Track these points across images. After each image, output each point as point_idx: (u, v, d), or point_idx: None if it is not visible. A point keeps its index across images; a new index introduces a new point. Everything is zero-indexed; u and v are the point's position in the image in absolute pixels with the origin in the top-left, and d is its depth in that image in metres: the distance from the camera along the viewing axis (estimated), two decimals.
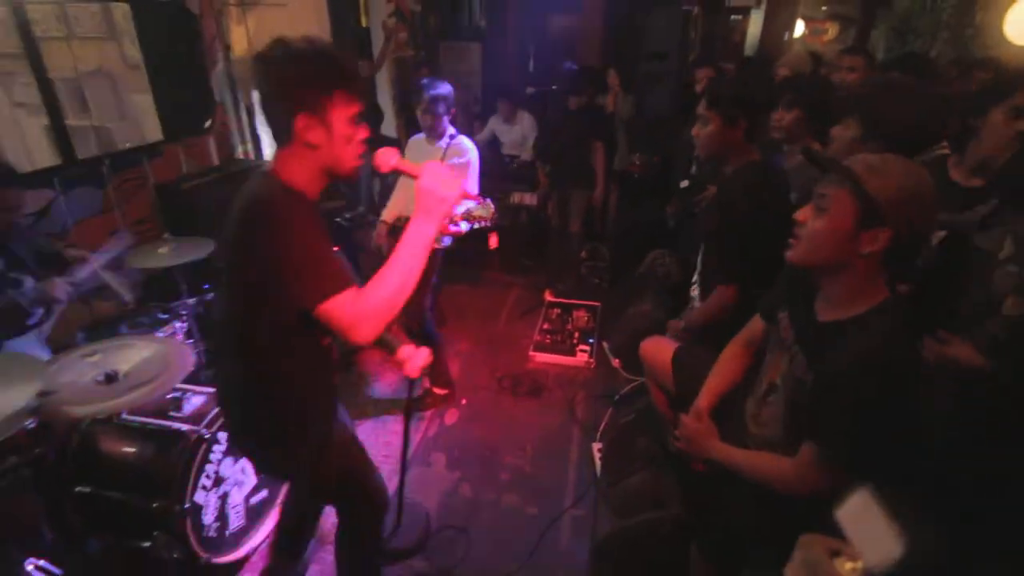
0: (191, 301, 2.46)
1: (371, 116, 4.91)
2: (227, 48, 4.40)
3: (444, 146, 2.64)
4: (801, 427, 1.25)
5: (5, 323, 2.13)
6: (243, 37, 4.63)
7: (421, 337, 2.66)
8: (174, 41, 3.74)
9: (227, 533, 2.00)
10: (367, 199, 3.85)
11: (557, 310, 3.77)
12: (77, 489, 1.85)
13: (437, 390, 2.95)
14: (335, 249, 1.29)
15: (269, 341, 1.27)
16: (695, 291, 2.20)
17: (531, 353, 3.37)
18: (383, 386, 3.16)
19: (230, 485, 2.00)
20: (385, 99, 5.23)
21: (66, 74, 3.28)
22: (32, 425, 1.76)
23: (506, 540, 2.22)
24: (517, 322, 3.84)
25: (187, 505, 1.79)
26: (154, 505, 1.78)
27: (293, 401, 1.39)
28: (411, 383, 1.90)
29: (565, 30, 6.36)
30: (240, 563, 2.05)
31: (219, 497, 1.95)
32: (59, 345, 2.31)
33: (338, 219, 3.52)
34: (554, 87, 5.27)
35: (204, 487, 1.88)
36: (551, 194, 4.16)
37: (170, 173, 3.63)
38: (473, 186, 2.64)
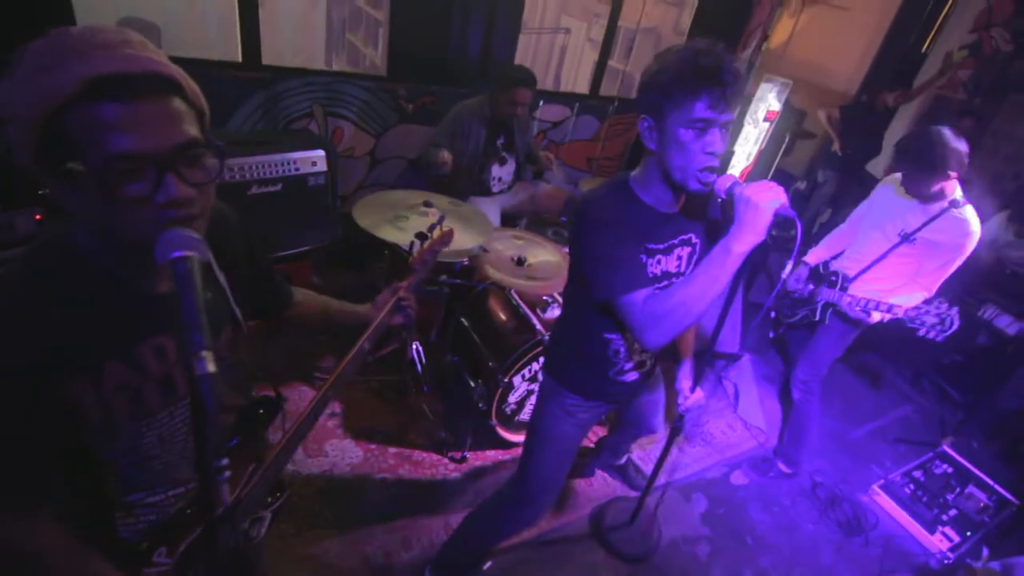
0: None
1: (865, 150, 4.35)
2: (765, 37, 4.47)
3: (936, 211, 2.08)
4: None
5: (476, 186, 2.93)
6: (787, 30, 4.60)
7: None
8: (722, 18, 4.00)
9: (516, 419, 2.41)
10: None
11: (948, 467, 2.82)
12: (460, 319, 2.50)
13: (782, 464, 2.71)
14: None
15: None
16: None
17: (876, 487, 2.69)
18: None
19: (537, 388, 2.36)
20: (893, 137, 4.51)
21: (630, 25, 3.94)
22: (465, 262, 2.43)
23: None
24: (885, 442, 3.10)
25: (507, 379, 2.22)
26: (490, 363, 2.27)
27: (573, 358, 1.51)
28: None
29: None
30: (507, 444, 2.45)
31: (527, 391, 2.34)
32: (506, 218, 3.06)
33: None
34: None
35: (524, 375, 2.28)
36: None
37: None
38: (926, 283, 2.11)
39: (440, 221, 1.30)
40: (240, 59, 2.64)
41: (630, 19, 3.82)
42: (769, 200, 1.05)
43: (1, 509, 0.75)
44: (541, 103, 3.48)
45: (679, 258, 1.35)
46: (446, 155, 2.67)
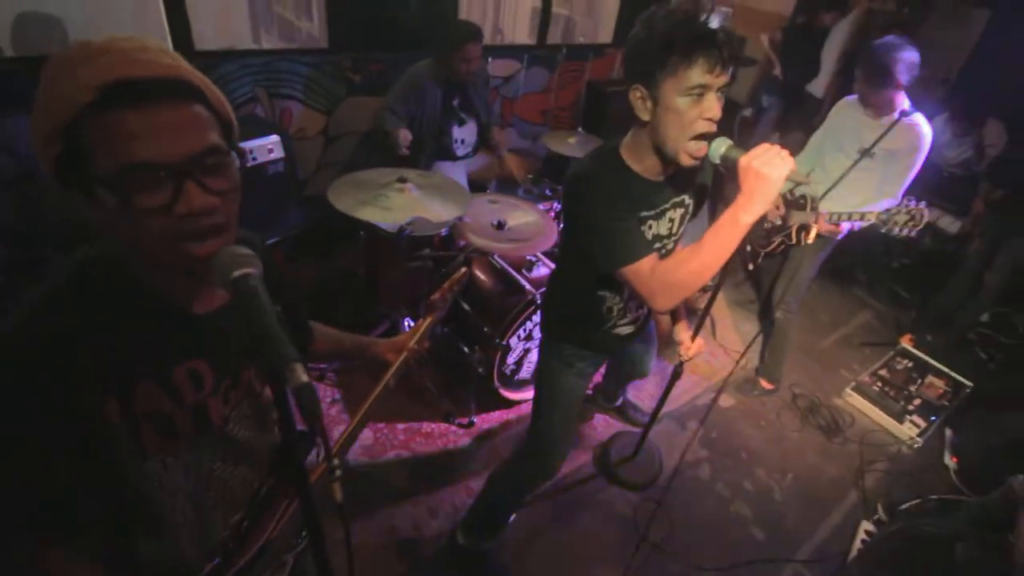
0: None
1: (804, 72, 4.43)
2: None
3: (888, 123, 2.22)
4: None
5: (439, 150, 2.89)
6: None
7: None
8: None
9: (516, 378, 2.48)
10: None
11: (908, 362, 3.11)
12: None
13: (764, 382, 2.90)
14: None
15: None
16: None
17: (848, 390, 2.94)
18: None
19: (535, 346, 2.43)
20: (828, 55, 4.60)
21: None
22: (445, 233, 2.42)
23: (716, 543, 2.18)
24: (851, 348, 3.35)
25: (504, 342, 2.27)
26: (485, 329, 2.31)
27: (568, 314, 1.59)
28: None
29: None
30: (511, 403, 2.53)
31: (524, 349, 2.40)
32: (474, 184, 3.03)
33: None
34: None
35: (519, 336, 2.33)
36: (985, 230, 3.21)
37: (603, 74, 4.06)
38: (891, 190, 2.25)
39: (459, 269, 1.38)
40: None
41: None
42: (779, 170, 1.04)
43: (16, 531, 0.69)
44: (490, 59, 3.39)
45: (671, 220, 1.38)
46: (406, 135, 2.60)
